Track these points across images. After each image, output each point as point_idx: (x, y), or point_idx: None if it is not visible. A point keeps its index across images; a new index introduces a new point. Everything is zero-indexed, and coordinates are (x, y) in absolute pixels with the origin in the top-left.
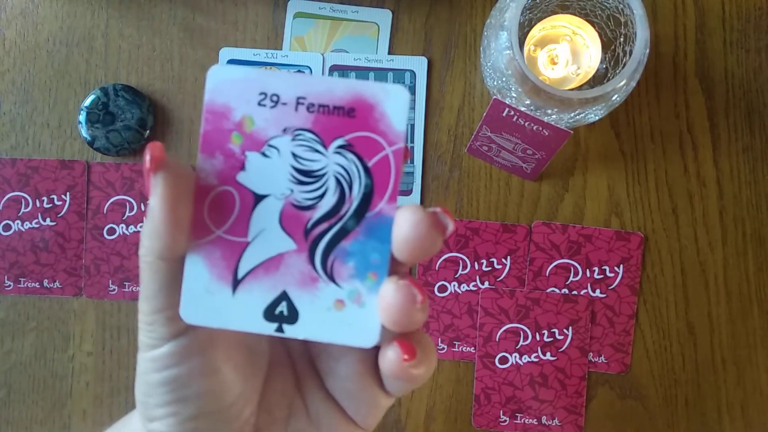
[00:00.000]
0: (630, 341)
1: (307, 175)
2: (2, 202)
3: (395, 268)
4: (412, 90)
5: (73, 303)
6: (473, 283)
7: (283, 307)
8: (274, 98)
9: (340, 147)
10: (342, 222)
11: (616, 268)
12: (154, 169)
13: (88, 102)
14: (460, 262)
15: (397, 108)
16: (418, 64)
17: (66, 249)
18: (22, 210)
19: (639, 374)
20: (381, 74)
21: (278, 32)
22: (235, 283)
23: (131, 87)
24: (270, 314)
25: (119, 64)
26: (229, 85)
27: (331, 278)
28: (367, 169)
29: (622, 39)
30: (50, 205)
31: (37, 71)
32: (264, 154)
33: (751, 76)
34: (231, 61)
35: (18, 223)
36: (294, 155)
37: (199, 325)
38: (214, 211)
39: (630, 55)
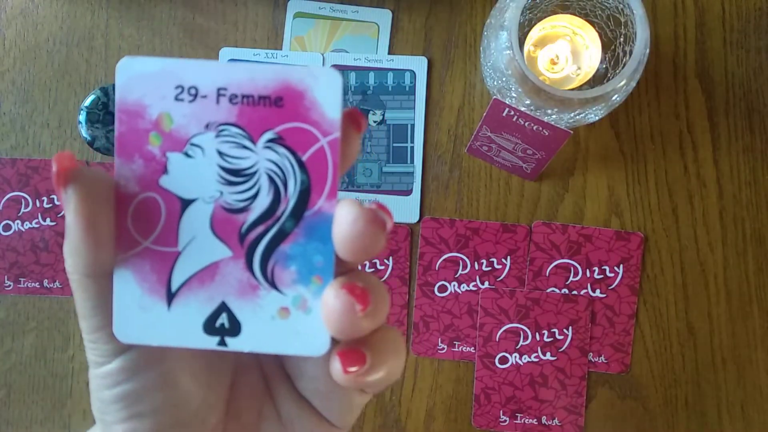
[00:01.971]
0: (630, 341)
1: (236, 175)
2: (2, 202)
3: (343, 268)
4: (412, 90)
5: (73, 303)
6: (473, 283)
7: (223, 319)
8: (192, 91)
9: (270, 141)
10: (279, 223)
11: (616, 268)
12: (64, 182)
13: (88, 102)
14: (460, 262)
15: (329, 94)
16: (418, 64)
17: None
18: (22, 210)
19: (639, 374)
20: (381, 74)
21: (278, 32)
22: (170, 296)
23: None
24: (210, 327)
25: None
26: (142, 79)
27: (273, 285)
28: (301, 164)
29: (622, 39)
30: (50, 205)
31: (37, 71)
32: (187, 155)
33: (751, 76)
34: (231, 62)
35: (18, 223)
36: (220, 153)
37: (136, 343)
38: (139, 221)
39: (630, 55)
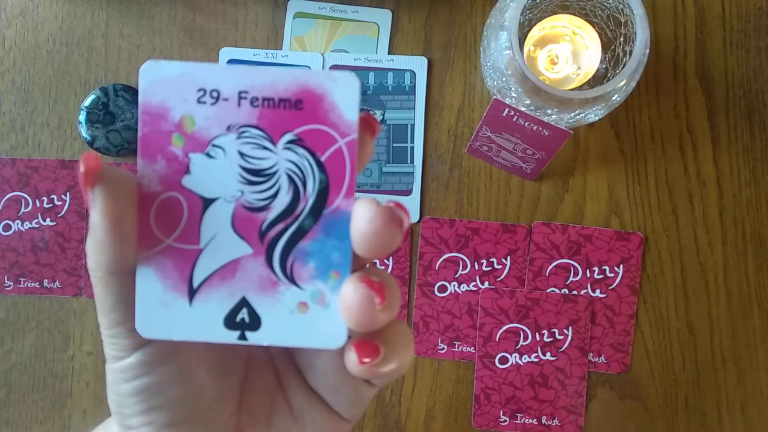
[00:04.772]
0: (630, 341)
1: (256, 175)
2: (2, 202)
3: (358, 264)
4: (412, 90)
5: (73, 303)
6: (473, 283)
7: (243, 314)
8: (214, 94)
9: (290, 142)
10: (298, 221)
11: (616, 268)
12: (91, 182)
13: (88, 102)
14: (460, 262)
15: (347, 97)
16: (418, 64)
17: (66, 249)
18: (22, 210)
19: (639, 374)
20: (381, 74)
21: (278, 32)
22: (191, 292)
23: (131, 87)
24: (231, 322)
25: (119, 64)
26: (164, 82)
27: (292, 280)
28: (320, 164)
29: (622, 39)
30: (50, 205)
31: (37, 71)
32: (209, 155)
33: (751, 76)
34: (231, 61)
35: (18, 223)
36: (241, 154)
37: (157, 338)
38: (162, 219)
39: (630, 55)
